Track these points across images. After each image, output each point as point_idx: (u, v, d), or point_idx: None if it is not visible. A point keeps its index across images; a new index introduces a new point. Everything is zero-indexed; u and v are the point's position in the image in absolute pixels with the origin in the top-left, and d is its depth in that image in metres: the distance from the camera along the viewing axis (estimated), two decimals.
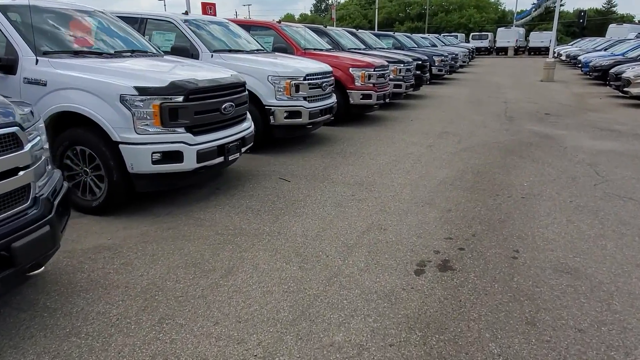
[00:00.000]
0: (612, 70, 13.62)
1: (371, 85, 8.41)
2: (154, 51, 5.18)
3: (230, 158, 4.42)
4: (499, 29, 46.43)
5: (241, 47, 6.97)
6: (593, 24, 55.74)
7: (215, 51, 6.34)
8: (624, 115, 10.02)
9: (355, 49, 11.06)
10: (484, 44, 46.37)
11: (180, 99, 3.86)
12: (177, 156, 3.90)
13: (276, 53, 7.57)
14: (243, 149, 4.67)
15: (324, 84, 6.63)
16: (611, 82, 13.44)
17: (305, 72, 6.25)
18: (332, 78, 7.12)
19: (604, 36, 33.17)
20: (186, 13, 6.84)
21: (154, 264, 3.16)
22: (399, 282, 2.95)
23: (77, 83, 3.82)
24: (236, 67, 6.01)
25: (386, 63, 9.20)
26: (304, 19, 78.63)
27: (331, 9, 49.63)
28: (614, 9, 69.03)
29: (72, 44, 4.39)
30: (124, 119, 3.70)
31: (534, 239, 3.62)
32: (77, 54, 4.25)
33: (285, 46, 8.32)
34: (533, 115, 10.04)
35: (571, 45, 35.44)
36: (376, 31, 21.08)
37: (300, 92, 6.19)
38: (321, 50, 9.00)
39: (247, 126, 4.75)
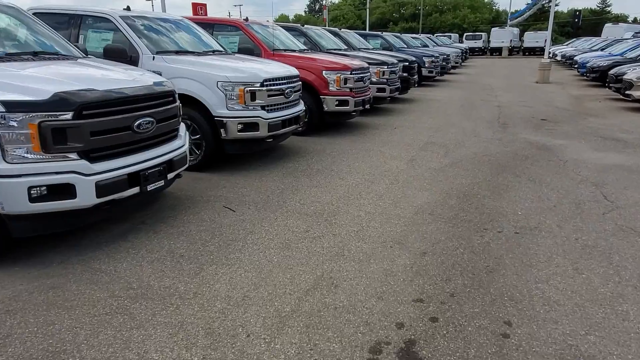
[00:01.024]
0: (611, 72, 12.80)
1: (348, 90, 7.52)
2: (73, 53, 4.27)
3: (150, 188, 3.51)
4: (493, 29, 45.70)
5: (195, 48, 6.07)
6: (587, 24, 55.19)
7: (159, 52, 5.43)
8: (627, 122, 9.18)
9: (335, 49, 10.17)
10: (478, 44, 45.66)
11: (69, 115, 2.95)
12: (67, 190, 2.99)
13: (237, 55, 6.67)
14: (170, 175, 3.76)
15: (287, 90, 5.73)
16: (611, 85, 12.62)
17: (264, 76, 5.34)
18: (299, 83, 6.22)
19: (599, 36, 32.52)
20: (128, 8, 5.92)
21: None
22: None
23: None
24: (180, 72, 5.14)
25: (366, 65, 8.32)
26: (297, 20, 77.98)
27: (323, 9, 48.74)
28: (609, 8, 68.74)
29: None
30: None
31: (532, 301, 2.73)
32: None
33: (251, 47, 7.43)
34: (528, 122, 9.19)
35: (566, 45, 34.76)
36: (363, 31, 20.21)
37: (257, 101, 5.29)
38: (294, 51, 8.11)
39: (177, 146, 3.84)
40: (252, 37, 7.66)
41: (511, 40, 44.35)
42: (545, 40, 22.37)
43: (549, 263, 3.21)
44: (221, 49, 6.56)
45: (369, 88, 8.52)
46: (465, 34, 48.28)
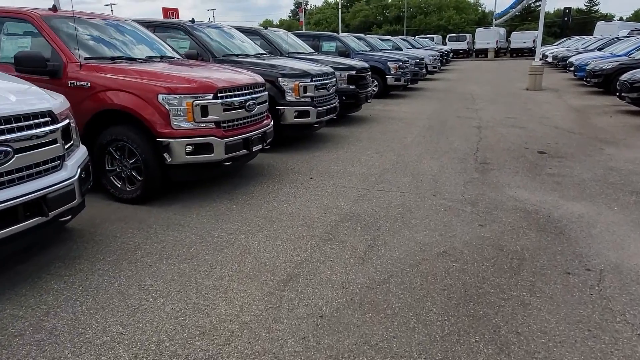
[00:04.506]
0: (623, 78, 9.83)
1: (212, 126, 4.36)
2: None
3: None
4: (477, 29, 42.89)
5: None
6: (575, 23, 52.99)
7: None
8: None
9: (242, 55, 7.05)
10: (462, 45, 42.82)
11: None
12: None
13: None
14: None
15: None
16: (624, 94, 9.66)
17: None
18: (49, 129, 3.04)
19: (588, 35, 29.91)
20: None
21: None
22: None
23: None
24: None
25: (259, 80, 5.14)
26: (281, 25, 75.55)
27: (299, 11, 45.62)
28: (596, 7, 66.68)
29: None
30: None
31: None
32: None
33: (42, 55, 4.29)
34: (520, 157, 6.13)
35: (557, 45, 32.01)
36: (318, 32, 17.17)
37: None
38: (134, 60, 4.94)
39: None
40: (50, 39, 4.50)
41: (497, 41, 41.63)
42: (534, 41, 19.58)
43: None
44: None
45: (268, 116, 5.39)
46: (448, 35, 45.47)
